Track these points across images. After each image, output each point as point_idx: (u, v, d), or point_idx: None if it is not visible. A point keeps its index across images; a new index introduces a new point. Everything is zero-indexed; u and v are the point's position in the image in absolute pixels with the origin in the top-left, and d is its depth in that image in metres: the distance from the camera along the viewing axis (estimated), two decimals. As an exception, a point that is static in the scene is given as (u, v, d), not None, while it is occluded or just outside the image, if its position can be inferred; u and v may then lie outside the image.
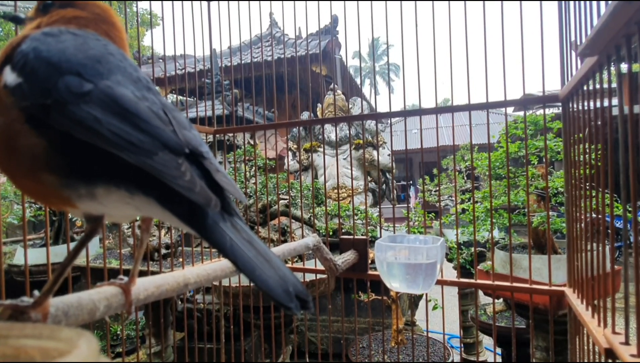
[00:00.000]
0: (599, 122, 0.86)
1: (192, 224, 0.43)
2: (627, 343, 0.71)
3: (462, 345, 2.26)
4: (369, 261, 1.51)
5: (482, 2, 1.30)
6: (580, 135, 1.03)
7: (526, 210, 2.22)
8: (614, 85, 0.79)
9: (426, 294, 1.55)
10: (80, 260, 1.94)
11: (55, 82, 0.45)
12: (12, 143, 0.45)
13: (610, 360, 0.74)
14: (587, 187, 0.96)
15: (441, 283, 1.33)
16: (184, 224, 0.44)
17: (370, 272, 1.48)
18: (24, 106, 0.45)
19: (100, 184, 0.44)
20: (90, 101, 0.44)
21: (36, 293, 0.46)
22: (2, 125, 0.46)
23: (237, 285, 1.91)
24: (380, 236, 1.40)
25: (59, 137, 0.44)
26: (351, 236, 1.51)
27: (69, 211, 0.50)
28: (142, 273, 1.59)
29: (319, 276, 1.76)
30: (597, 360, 0.85)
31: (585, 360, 0.93)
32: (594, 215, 0.92)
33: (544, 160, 2.30)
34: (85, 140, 0.43)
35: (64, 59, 0.47)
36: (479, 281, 1.37)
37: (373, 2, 1.54)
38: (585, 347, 0.92)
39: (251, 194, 2.90)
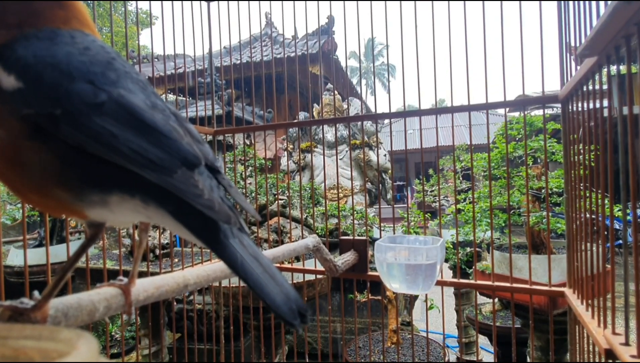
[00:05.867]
0: (599, 124, 0.86)
1: (205, 238, 0.43)
2: (627, 343, 0.72)
3: (462, 345, 2.27)
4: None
5: (481, 2, 1.30)
6: (576, 136, 1.03)
7: (521, 210, 2.25)
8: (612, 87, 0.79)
9: (427, 294, 1.55)
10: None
11: (65, 91, 0.41)
12: (17, 158, 0.42)
13: (610, 361, 0.75)
14: (584, 187, 0.97)
15: (441, 283, 1.33)
16: (196, 238, 0.43)
17: (370, 273, 1.48)
18: (26, 115, 0.41)
19: (115, 192, 0.43)
20: (105, 112, 0.42)
21: (36, 294, 0.45)
22: (4, 137, 0.42)
23: (235, 285, 1.90)
24: (378, 237, 1.40)
25: (69, 150, 0.42)
26: (351, 237, 1.51)
27: (74, 219, 0.49)
28: (142, 274, 1.58)
29: (318, 276, 1.75)
30: (597, 361, 0.86)
31: (585, 361, 0.93)
32: (590, 216, 0.93)
33: (538, 161, 2.33)
34: (101, 156, 0.41)
35: (73, 65, 0.43)
36: (478, 281, 1.38)
37: (371, 2, 1.54)
38: (585, 348, 0.93)
39: (248, 194, 2.89)
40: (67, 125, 0.41)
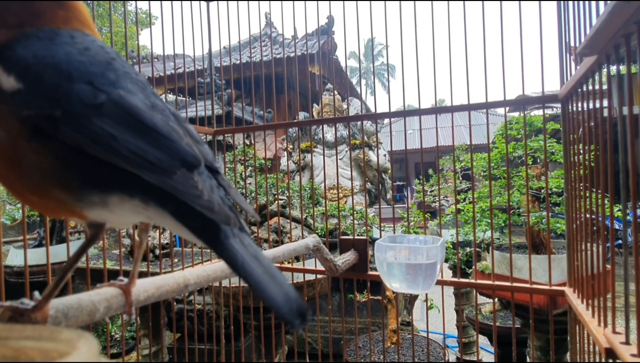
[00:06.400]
0: (598, 124, 0.86)
1: (205, 238, 0.43)
2: (627, 342, 0.72)
3: (462, 345, 2.27)
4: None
5: (481, 2, 1.31)
6: (576, 136, 1.04)
7: (521, 210, 2.25)
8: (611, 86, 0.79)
9: (427, 294, 1.55)
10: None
11: (65, 92, 0.41)
12: (16, 158, 0.42)
13: (610, 360, 0.75)
14: (584, 187, 0.97)
15: (441, 283, 1.33)
16: (197, 238, 0.43)
17: (370, 272, 1.48)
18: (26, 116, 0.41)
19: (115, 193, 0.43)
20: (104, 113, 0.42)
21: (36, 294, 0.45)
22: (4, 138, 0.42)
23: (235, 285, 1.90)
24: (378, 237, 1.40)
25: (69, 151, 0.41)
26: (351, 237, 1.51)
27: (73, 219, 0.48)
28: (142, 274, 1.58)
29: (318, 276, 1.75)
30: (597, 360, 0.86)
31: (586, 360, 0.93)
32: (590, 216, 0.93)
33: (538, 161, 2.34)
34: (101, 157, 0.41)
35: (73, 65, 0.43)
36: (479, 281, 1.38)
37: (371, 2, 1.54)
38: (586, 347, 0.93)
39: (248, 194, 2.89)
40: (66, 126, 0.41)
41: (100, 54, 0.47)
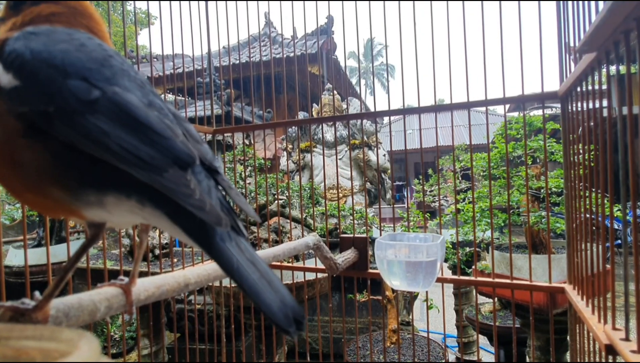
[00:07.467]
0: (598, 123, 0.86)
1: (201, 241, 0.43)
2: (627, 339, 0.72)
3: (462, 345, 2.27)
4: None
5: (480, 1, 1.31)
6: (575, 136, 1.04)
7: (520, 210, 2.25)
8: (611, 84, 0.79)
9: (427, 293, 1.55)
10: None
11: (59, 88, 0.41)
12: (14, 156, 0.42)
13: (610, 357, 0.75)
14: (584, 187, 0.97)
15: (441, 280, 1.33)
16: (192, 241, 0.43)
17: (370, 270, 1.48)
18: (22, 113, 0.41)
19: (112, 193, 0.43)
20: (98, 110, 0.41)
21: (37, 294, 0.45)
22: (1, 135, 0.42)
23: (235, 285, 1.90)
24: (377, 237, 1.40)
25: (64, 148, 0.41)
26: (351, 235, 1.52)
27: (72, 220, 0.48)
28: (142, 274, 1.58)
29: (318, 275, 1.75)
30: (597, 357, 0.86)
31: (586, 357, 0.93)
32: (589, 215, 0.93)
33: (538, 160, 2.34)
34: (93, 154, 0.41)
35: (68, 61, 0.43)
36: (479, 278, 1.38)
37: (370, 2, 1.54)
38: (586, 344, 0.93)
39: (247, 194, 2.89)
40: (59, 122, 0.40)
41: (97, 50, 0.47)
